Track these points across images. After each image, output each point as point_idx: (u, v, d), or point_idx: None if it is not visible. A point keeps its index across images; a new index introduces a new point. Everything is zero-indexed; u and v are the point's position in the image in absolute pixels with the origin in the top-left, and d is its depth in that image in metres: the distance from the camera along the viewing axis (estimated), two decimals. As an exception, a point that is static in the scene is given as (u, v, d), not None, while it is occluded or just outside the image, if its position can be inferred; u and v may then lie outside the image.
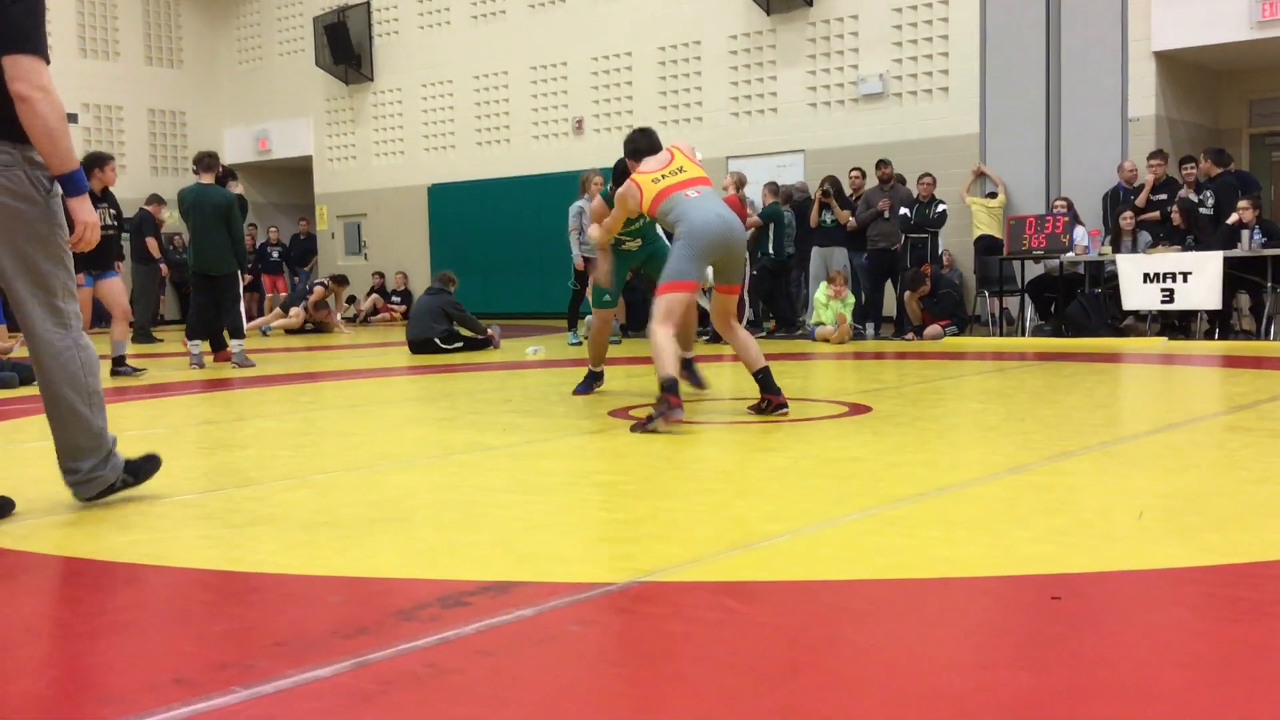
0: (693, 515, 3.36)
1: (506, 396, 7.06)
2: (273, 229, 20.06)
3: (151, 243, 13.84)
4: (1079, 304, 11.02)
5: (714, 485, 3.94)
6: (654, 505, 3.53)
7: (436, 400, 7.03)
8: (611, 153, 16.41)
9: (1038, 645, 2.18)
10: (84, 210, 3.46)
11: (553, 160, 17.48)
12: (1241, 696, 1.87)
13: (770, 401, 5.39)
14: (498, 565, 2.80)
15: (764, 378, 5.38)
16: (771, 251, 12.43)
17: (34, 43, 3.31)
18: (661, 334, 5.12)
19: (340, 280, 16.19)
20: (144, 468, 3.72)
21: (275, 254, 19.57)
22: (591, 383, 6.77)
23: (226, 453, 4.91)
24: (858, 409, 5.74)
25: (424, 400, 7.11)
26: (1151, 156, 11.56)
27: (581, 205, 11.49)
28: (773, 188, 12.79)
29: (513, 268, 17.70)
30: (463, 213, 18.33)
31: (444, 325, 11.22)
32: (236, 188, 11.26)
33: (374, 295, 18.65)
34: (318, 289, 15.85)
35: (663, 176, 5.47)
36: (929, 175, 12.33)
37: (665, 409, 4.86)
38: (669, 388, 4.91)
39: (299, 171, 21.76)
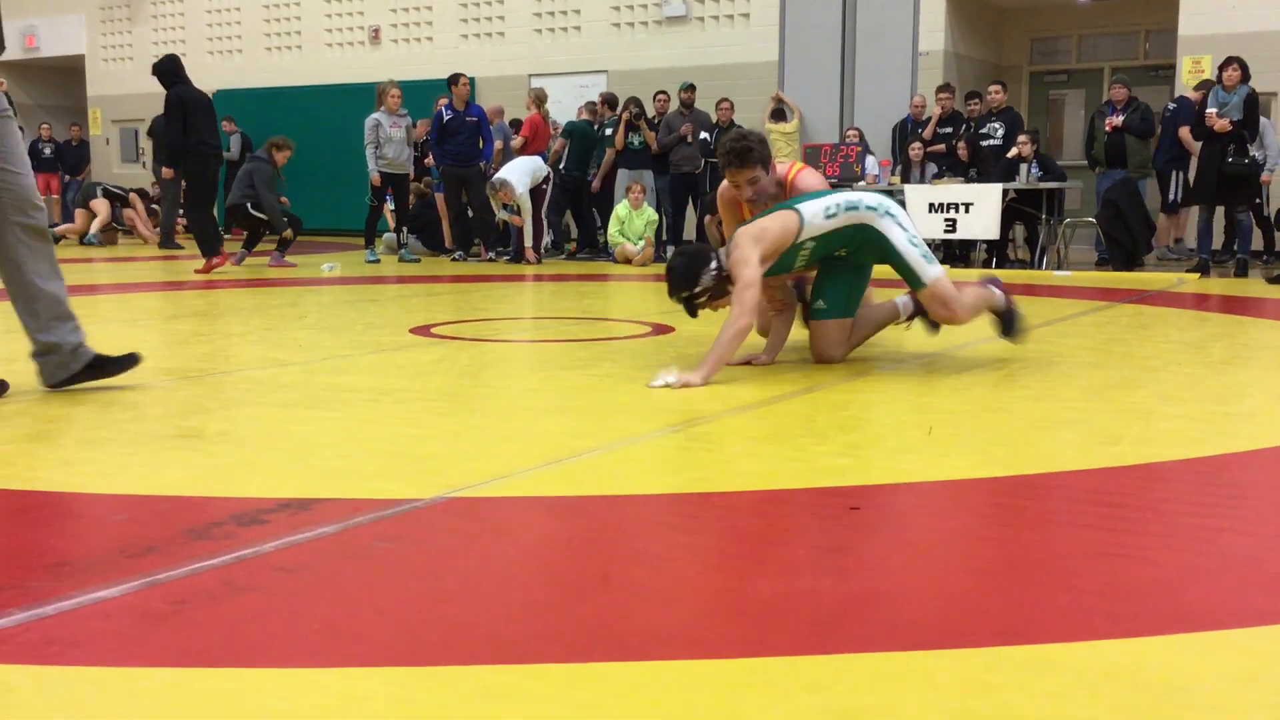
0: (499, 432, 3.32)
1: (302, 313, 6.82)
2: (44, 125, 18.70)
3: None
4: (869, 232, 11.37)
5: (520, 403, 3.90)
6: (460, 422, 3.47)
7: (225, 315, 6.73)
8: (410, 65, 16.03)
9: (839, 553, 2.25)
10: None
11: (347, 70, 16.85)
12: (1027, 598, 1.96)
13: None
14: (297, 482, 2.70)
15: None
16: (573, 169, 12.32)
17: None
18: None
19: (141, 194, 15.33)
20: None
21: (48, 150, 18.26)
22: None
23: (-7, 367, 4.57)
24: (660, 329, 5.79)
25: (211, 315, 6.79)
26: (940, 90, 11.96)
27: (378, 118, 11.11)
28: (591, 108, 12.66)
29: (306, 181, 17.00)
30: (250, 121, 17.45)
31: (254, 192, 10.80)
32: None
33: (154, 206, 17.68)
34: (133, 198, 14.90)
35: None
36: (727, 100, 12.44)
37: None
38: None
39: (70, 72, 20.30)
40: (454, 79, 11.60)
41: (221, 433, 3.30)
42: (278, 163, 11.12)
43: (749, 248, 4.15)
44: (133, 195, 15.02)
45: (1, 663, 1.64)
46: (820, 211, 4.28)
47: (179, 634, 1.77)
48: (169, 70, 9.94)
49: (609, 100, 12.68)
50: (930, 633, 1.79)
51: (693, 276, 4.23)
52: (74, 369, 3.82)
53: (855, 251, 4.46)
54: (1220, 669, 1.65)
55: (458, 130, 11.53)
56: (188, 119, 9.64)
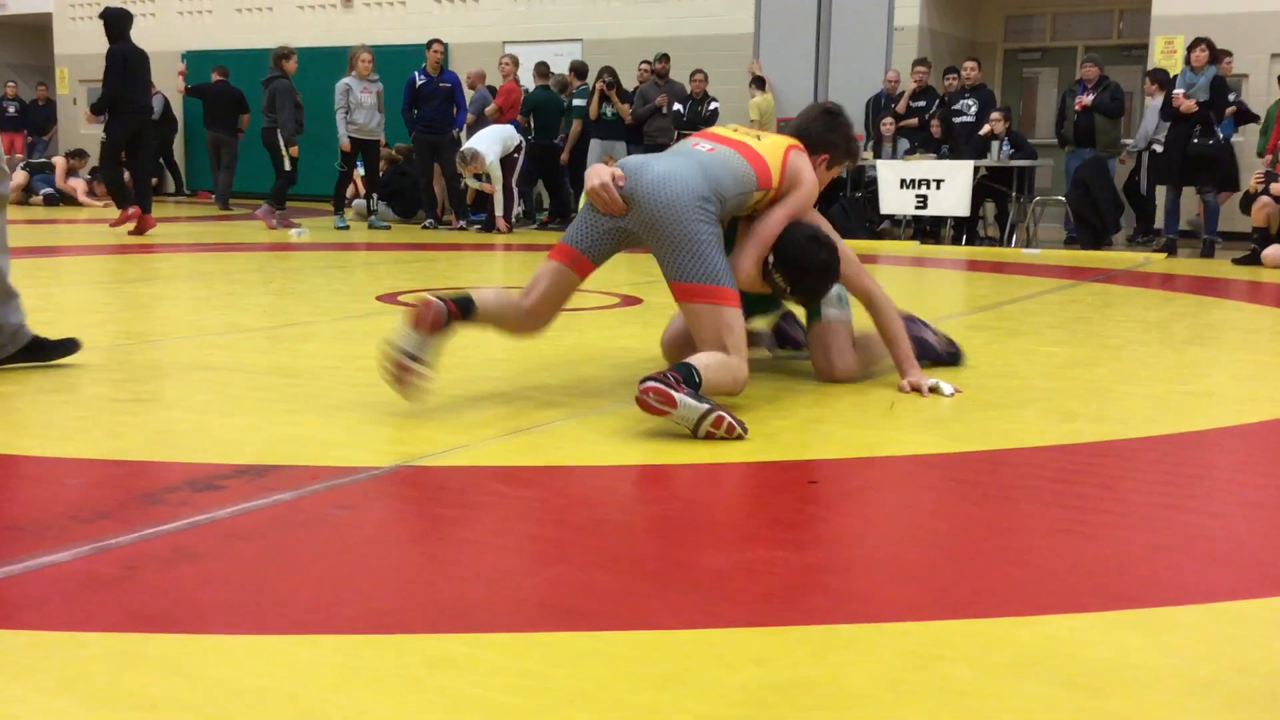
0: (462, 400, 3.31)
1: (267, 278, 6.77)
2: (10, 84, 18.48)
3: None
4: (840, 207, 11.39)
5: (484, 371, 3.89)
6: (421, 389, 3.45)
7: (190, 279, 6.67)
8: (382, 30, 15.86)
9: (795, 525, 2.26)
10: None
11: (319, 34, 16.65)
12: (978, 574, 1.98)
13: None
14: (254, 448, 2.68)
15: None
16: (540, 137, 12.20)
17: None
18: None
19: (79, 155, 15.28)
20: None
21: (12, 109, 18.10)
22: None
23: (-49, 328, 4.51)
24: (629, 300, 5.78)
25: (175, 279, 6.73)
26: (916, 64, 11.95)
27: (349, 83, 11.00)
28: (542, 70, 12.52)
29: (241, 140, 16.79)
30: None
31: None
32: None
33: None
34: (59, 161, 14.93)
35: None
36: (701, 72, 12.38)
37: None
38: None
39: (37, 30, 19.97)
40: (429, 44, 11.52)
41: (180, 398, 3.28)
42: (288, 72, 11.09)
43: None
44: (58, 160, 15.05)
45: (-54, 626, 1.63)
46: None
47: (129, 599, 1.76)
48: (120, 20, 9.77)
49: (578, 69, 12.60)
50: (879, 606, 1.80)
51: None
52: (9, 350, 3.57)
53: None
54: (1164, 646, 1.67)
55: (430, 96, 11.44)
56: (128, 75, 9.53)
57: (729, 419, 2.86)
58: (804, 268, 3.39)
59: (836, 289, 3.67)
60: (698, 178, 3.23)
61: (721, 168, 3.32)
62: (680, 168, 3.26)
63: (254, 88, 15.47)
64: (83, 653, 1.57)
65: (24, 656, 1.55)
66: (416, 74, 11.50)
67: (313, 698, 1.44)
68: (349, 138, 11.02)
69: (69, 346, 3.69)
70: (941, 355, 3.98)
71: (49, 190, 14.70)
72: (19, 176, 14.93)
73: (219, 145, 14.63)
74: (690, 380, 2.89)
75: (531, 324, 3.37)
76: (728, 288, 3.18)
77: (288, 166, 10.92)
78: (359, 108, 11.01)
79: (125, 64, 9.52)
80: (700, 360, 3.01)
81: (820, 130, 3.68)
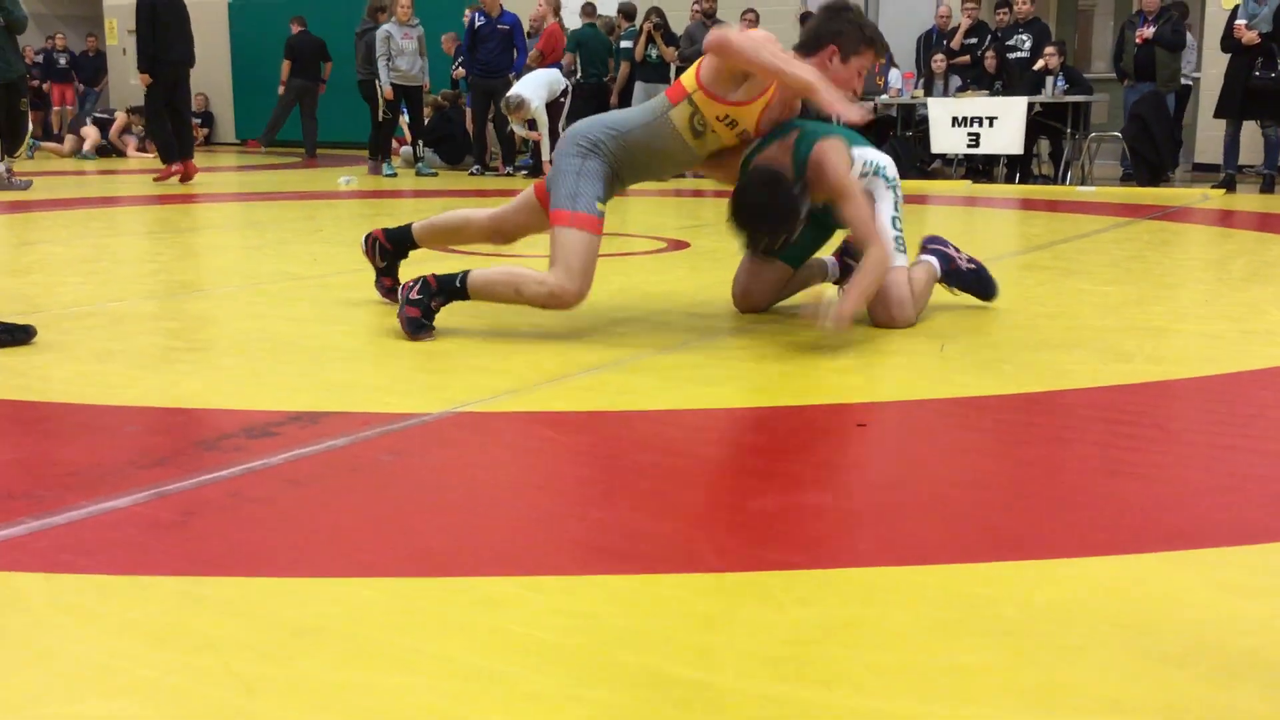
0: (508, 347, 3.33)
1: (317, 226, 6.81)
2: (59, 35, 18.63)
3: None
4: (891, 147, 11.23)
5: (531, 318, 3.90)
6: (470, 336, 3.47)
7: (241, 229, 6.73)
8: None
9: (842, 469, 2.26)
10: None
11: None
12: (1029, 514, 1.97)
13: None
14: (307, 395, 2.72)
15: None
16: (590, 75, 12.08)
17: None
18: None
19: (139, 111, 15.50)
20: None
21: (63, 61, 18.28)
22: None
23: (9, 278, 4.59)
24: (676, 244, 5.76)
25: (227, 228, 6.80)
26: None
27: (389, 29, 10.96)
28: (589, 8, 12.38)
29: (328, 92, 16.87)
30: (266, 32, 17.28)
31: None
32: None
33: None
34: (121, 116, 15.15)
35: None
36: (752, 11, 12.20)
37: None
38: None
39: (85, -19, 20.09)
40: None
41: (233, 346, 3.32)
42: (380, 23, 11.26)
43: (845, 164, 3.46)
44: (119, 115, 15.29)
45: (13, 570, 1.67)
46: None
47: (187, 543, 1.79)
48: None
49: (626, 11, 12.46)
50: (928, 548, 1.80)
51: (794, 215, 3.33)
52: None
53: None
54: (1218, 585, 1.65)
55: (488, 38, 11.34)
56: (158, 27, 9.52)
57: (403, 315, 3.34)
58: (737, 204, 3.35)
59: (894, 231, 3.64)
60: (593, 122, 3.53)
61: (636, 107, 3.60)
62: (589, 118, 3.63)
63: (285, 32, 15.48)
64: (144, 595, 1.60)
65: (87, 599, 1.59)
66: (475, 14, 11.39)
67: (368, 637, 1.47)
68: (391, 84, 11.00)
69: (21, 334, 3.27)
70: (966, 276, 3.94)
71: (101, 142, 14.91)
72: (90, 133, 15.18)
73: (302, 93, 14.75)
74: (440, 284, 3.38)
75: (494, 236, 3.90)
76: (566, 210, 3.37)
77: (380, 118, 11.16)
78: (400, 54, 10.97)
79: (154, 17, 9.52)
80: (485, 268, 3.45)
81: (819, 26, 3.54)
